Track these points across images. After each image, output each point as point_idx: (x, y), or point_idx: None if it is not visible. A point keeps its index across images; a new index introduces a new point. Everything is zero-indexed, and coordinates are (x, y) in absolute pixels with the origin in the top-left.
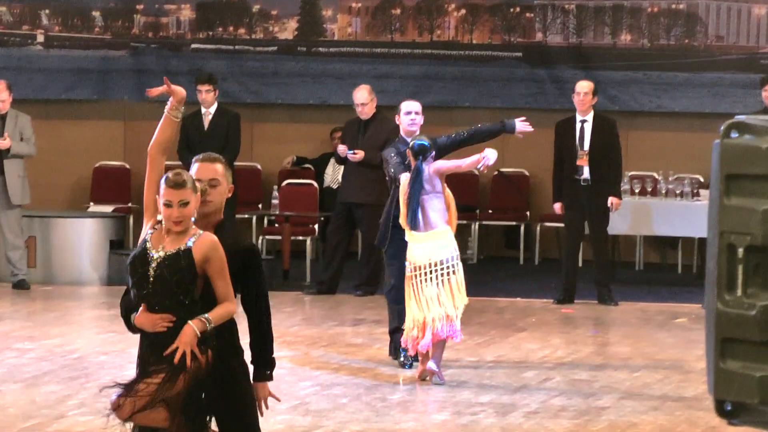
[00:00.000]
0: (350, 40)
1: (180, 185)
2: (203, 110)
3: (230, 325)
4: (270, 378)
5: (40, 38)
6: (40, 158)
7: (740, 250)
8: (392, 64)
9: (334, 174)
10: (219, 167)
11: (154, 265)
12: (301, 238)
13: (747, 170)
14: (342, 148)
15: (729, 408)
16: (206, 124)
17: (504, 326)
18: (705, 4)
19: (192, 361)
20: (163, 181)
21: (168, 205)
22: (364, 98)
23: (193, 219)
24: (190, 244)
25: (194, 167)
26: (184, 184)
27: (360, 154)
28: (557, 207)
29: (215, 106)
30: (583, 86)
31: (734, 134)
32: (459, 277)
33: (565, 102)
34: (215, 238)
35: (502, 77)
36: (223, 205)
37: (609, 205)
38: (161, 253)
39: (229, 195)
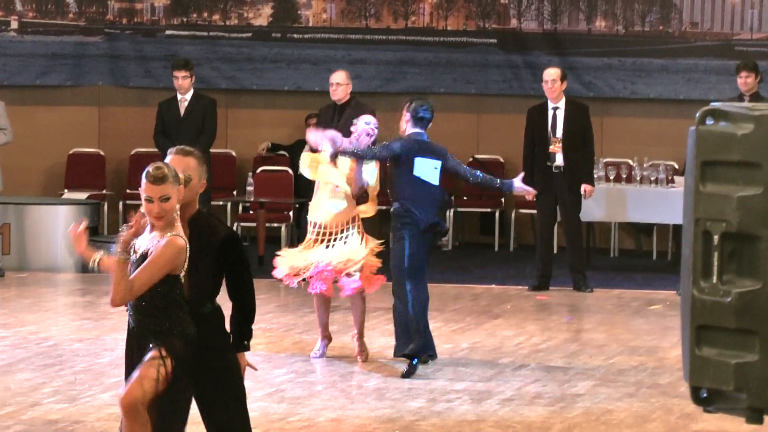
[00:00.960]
0: (325, 26)
1: (160, 180)
2: (179, 96)
3: (220, 318)
4: (248, 348)
5: (14, 24)
6: (15, 144)
7: (716, 237)
8: (367, 50)
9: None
10: (192, 162)
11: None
12: (276, 224)
13: (722, 157)
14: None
15: (704, 395)
16: (182, 110)
17: (479, 313)
18: None
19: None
20: (144, 175)
21: (149, 200)
22: (339, 78)
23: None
24: (150, 246)
25: (168, 159)
26: (165, 178)
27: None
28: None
29: (191, 92)
30: (551, 74)
31: (710, 121)
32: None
33: (540, 88)
34: (174, 242)
35: (477, 63)
36: (197, 198)
37: (582, 192)
38: (134, 256)
39: (201, 190)
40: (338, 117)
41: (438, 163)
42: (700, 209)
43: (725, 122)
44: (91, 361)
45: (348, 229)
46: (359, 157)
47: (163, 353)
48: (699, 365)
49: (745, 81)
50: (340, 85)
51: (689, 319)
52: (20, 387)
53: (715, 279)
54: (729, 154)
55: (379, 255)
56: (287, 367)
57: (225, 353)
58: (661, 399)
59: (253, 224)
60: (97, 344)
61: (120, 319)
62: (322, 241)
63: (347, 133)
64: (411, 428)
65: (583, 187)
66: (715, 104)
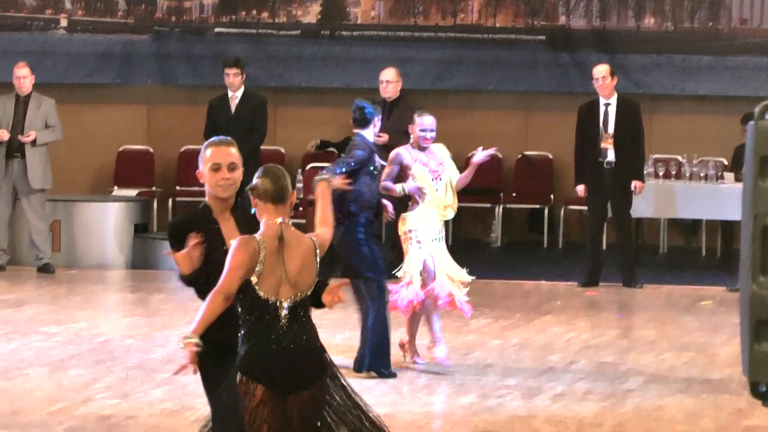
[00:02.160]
0: (373, 24)
1: (227, 143)
2: (230, 94)
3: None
4: None
5: (64, 23)
6: (64, 143)
7: None
8: (415, 48)
9: None
10: (234, 150)
11: None
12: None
13: None
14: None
15: (764, 389)
16: (233, 107)
17: (529, 310)
18: None
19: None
20: (207, 144)
21: (216, 168)
22: (391, 76)
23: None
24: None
25: (209, 151)
26: (231, 142)
27: (384, 138)
28: (580, 189)
29: (242, 89)
30: (600, 71)
31: None
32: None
33: (589, 86)
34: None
35: (525, 61)
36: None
37: (632, 188)
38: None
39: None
40: (388, 114)
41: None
42: (759, 205)
43: None
44: (143, 357)
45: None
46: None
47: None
48: (758, 360)
49: None
50: (390, 82)
51: (748, 314)
52: (72, 383)
53: None
54: None
55: None
56: (338, 363)
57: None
58: (712, 395)
59: (303, 221)
60: (148, 340)
61: (170, 316)
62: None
63: (396, 131)
64: (462, 424)
65: (634, 183)
66: None
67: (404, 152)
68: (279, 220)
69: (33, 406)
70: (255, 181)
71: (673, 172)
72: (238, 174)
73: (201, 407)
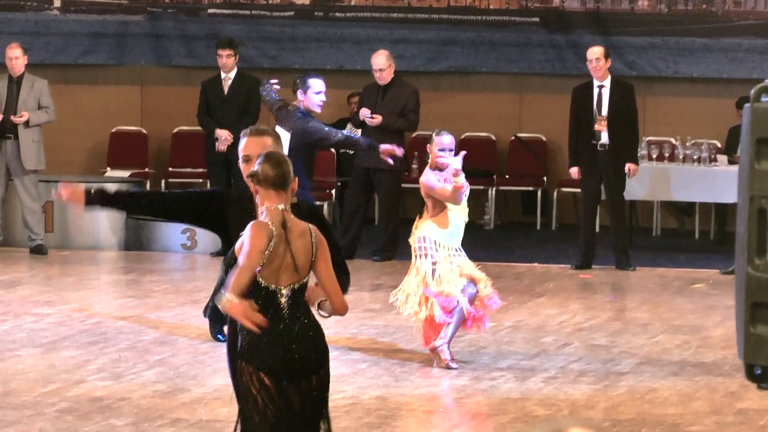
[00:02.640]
0: (367, 5)
1: (262, 132)
2: (222, 75)
3: None
4: None
5: (57, 2)
6: (57, 123)
7: None
8: (409, 29)
9: None
10: (269, 140)
11: None
12: (318, 203)
13: None
14: (365, 111)
15: (759, 372)
16: (226, 88)
17: (522, 292)
18: None
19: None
20: (243, 133)
21: (247, 159)
22: (382, 64)
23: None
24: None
25: (243, 141)
26: (266, 132)
27: (378, 119)
28: (574, 171)
29: (235, 71)
30: (594, 52)
31: (765, 98)
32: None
33: (583, 68)
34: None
35: (519, 42)
36: None
37: (627, 171)
38: None
39: None
40: (382, 96)
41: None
42: (755, 187)
43: None
44: (135, 338)
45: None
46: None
47: None
48: (753, 343)
49: None
50: (383, 70)
51: (744, 296)
52: (65, 364)
53: None
54: None
55: None
56: (330, 345)
57: None
58: (705, 378)
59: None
60: (140, 322)
61: (162, 298)
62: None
63: (390, 112)
64: (455, 406)
65: (628, 166)
66: None
67: (431, 178)
68: (281, 206)
69: (25, 388)
70: (256, 167)
71: (667, 155)
72: None
73: (193, 389)
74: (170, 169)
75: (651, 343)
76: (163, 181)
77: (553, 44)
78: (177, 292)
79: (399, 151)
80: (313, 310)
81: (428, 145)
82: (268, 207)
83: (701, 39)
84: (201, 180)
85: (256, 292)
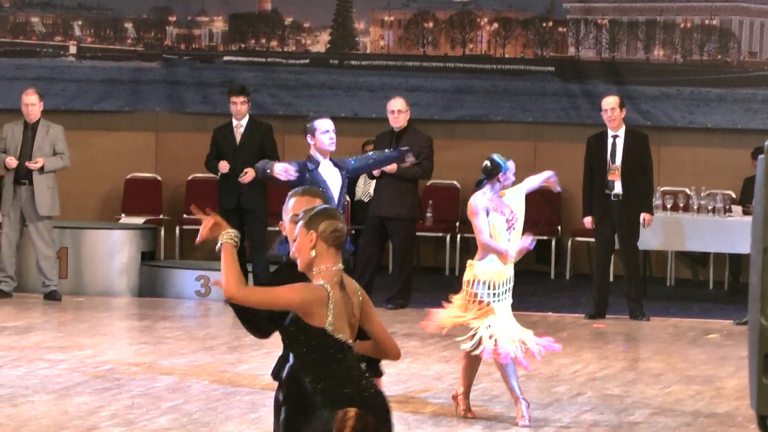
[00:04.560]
0: (382, 53)
1: (313, 193)
2: (234, 122)
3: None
4: None
5: (73, 49)
6: (72, 169)
7: None
8: (424, 78)
9: (365, 187)
10: (319, 202)
11: None
12: None
13: None
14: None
15: None
16: (238, 136)
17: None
18: (738, 19)
19: None
20: (291, 193)
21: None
22: (400, 105)
23: None
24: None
25: (292, 201)
26: (317, 194)
27: (393, 166)
28: (587, 221)
29: (247, 118)
30: (609, 102)
31: None
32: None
33: (597, 117)
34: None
35: (534, 91)
36: None
37: (642, 221)
38: None
39: None
40: (395, 143)
41: None
42: None
43: None
44: (149, 385)
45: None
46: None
47: None
48: (766, 394)
49: None
50: (401, 112)
51: (757, 347)
52: (78, 411)
53: None
54: None
55: None
56: None
57: None
58: (718, 428)
59: None
60: (154, 368)
61: (176, 344)
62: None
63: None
64: None
65: (643, 216)
66: None
67: (483, 199)
68: (340, 266)
69: None
70: (317, 222)
71: (681, 205)
72: None
73: None
74: (184, 216)
75: (664, 393)
76: (177, 228)
77: (568, 93)
78: (190, 339)
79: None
80: None
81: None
82: (326, 268)
83: (716, 89)
84: None
85: (335, 351)
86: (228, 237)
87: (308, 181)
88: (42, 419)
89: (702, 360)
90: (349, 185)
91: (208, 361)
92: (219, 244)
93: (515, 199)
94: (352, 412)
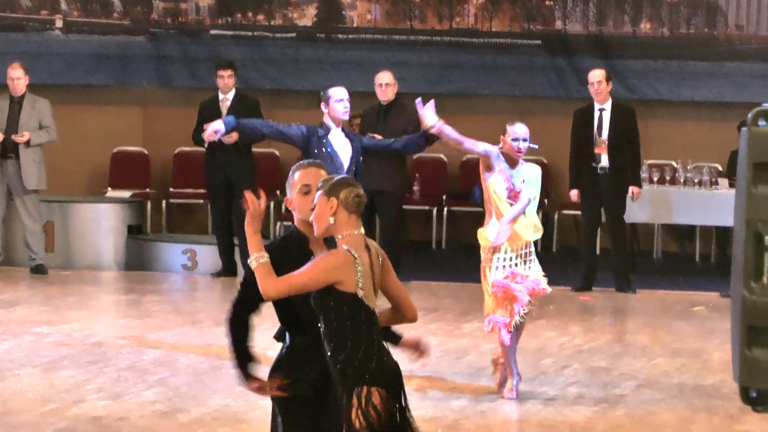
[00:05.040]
0: (369, 27)
1: (318, 165)
2: (221, 96)
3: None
4: None
5: (59, 23)
6: (58, 143)
7: (767, 238)
8: (412, 52)
9: None
10: (324, 173)
11: None
12: None
13: None
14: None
15: (754, 395)
16: (224, 110)
17: (537, 317)
18: None
19: None
20: (295, 167)
21: (307, 191)
22: (388, 78)
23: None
24: None
25: (298, 174)
26: (322, 166)
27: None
28: (574, 194)
29: (233, 92)
30: (596, 75)
31: (762, 122)
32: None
33: (584, 91)
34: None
35: (521, 65)
36: None
37: (630, 194)
38: None
39: None
40: (383, 117)
41: None
42: (752, 211)
43: None
44: (135, 358)
45: (530, 251)
46: None
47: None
48: (749, 366)
49: None
50: (389, 85)
51: (739, 320)
52: (64, 384)
53: (765, 280)
54: None
55: None
56: None
57: None
58: (704, 401)
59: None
60: (140, 342)
61: (163, 318)
62: (508, 267)
63: (391, 134)
64: (454, 427)
65: (631, 189)
66: (767, 106)
67: (497, 154)
68: (361, 231)
69: (24, 407)
70: (338, 189)
71: (668, 178)
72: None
73: (193, 409)
74: (171, 190)
75: (650, 365)
76: (164, 202)
77: (555, 67)
78: (177, 313)
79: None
80: None
81: (501, 136)
82: (349, 234)
83: (703, 63)
84: (202, 201)
85: (366, 318)
86: (260, 259)
87: (315, 146)
88: (28, 393)
89: (688, 333)
90: None
91: (195, 335)
92: (254, 265)
93: (533, 174)
94: (377, 394)
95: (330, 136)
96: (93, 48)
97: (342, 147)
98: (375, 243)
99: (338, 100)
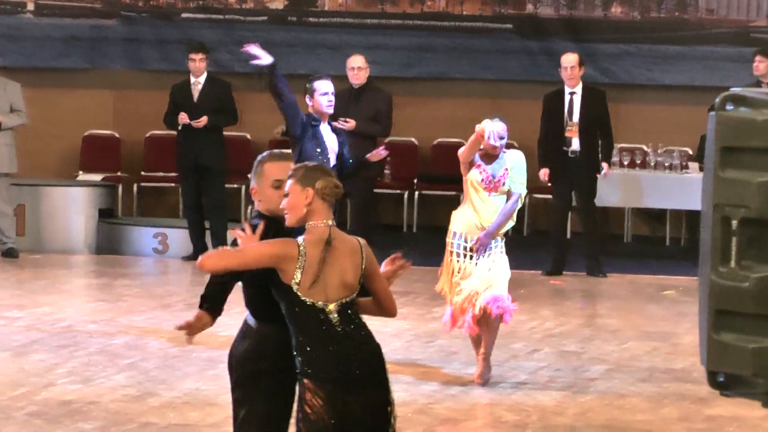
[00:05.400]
0: (341, 11)
1: (287, 158)
2: (192, 80)
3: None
4: None
5: (30, 6)
6: (30, 126)
7: (734, 223)
8: (384, 35)
9: None
10: (292, 164)
11: None
12: None
13: (743, 143)
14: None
15: (722, 380)
16: (196, 93)
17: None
18: None
19: None
20: (263, 158)
21: (279, 186)
22: (360, 62)
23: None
24: None
25: (267, 166)
26: (290, 158)
27: (351, 123)
28: (543, 172)
29: (205, 75)
30: (570, 60)
31: (730, 106)
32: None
33: (557, 74)
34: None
35: (493, 49)
36: None
37: (602, 171)
38: None
39: None
40: (355, 101)
41: None
42: (720, 195)
43: (746, 108)
44: (106, 342)
45: (496, 243)
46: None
47: None
48: (717, 350)
49: (757, 66)
50: (361, 69)
51: (707, 303)
52: (35, 368)
53: (733, 264)
54: (749, 140)
55: None
56: None
57: None
58: (674, 384)
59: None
60: (111, 325)
61: (134, 302)
62: (465, 256)
63: (364, 117)
64: (425, 411)
65: (604, 165)
66: (735, 89)
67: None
68: (330, 222)
69: None
70: (312, 179)
71: (639, 162)
72: None
73: (163, 393)
74: (143, 173)
75: (621, 349)
76: (135, 185)
77: (527, 50)
78: (148, 296)
79: (384, 152)
80: None
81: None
82: (315, 224)
83: (675, 47)
84: (173, 184)
85: (306, 312)
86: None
87: (309, 135)
88: None
89: (659, 316)
90: None
91: (166, 319)
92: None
93: (516, 161)
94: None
95: (321, 128)
96: (64, 31)
97: (330, 140)
98: (354, 239)
99: (323, 94)
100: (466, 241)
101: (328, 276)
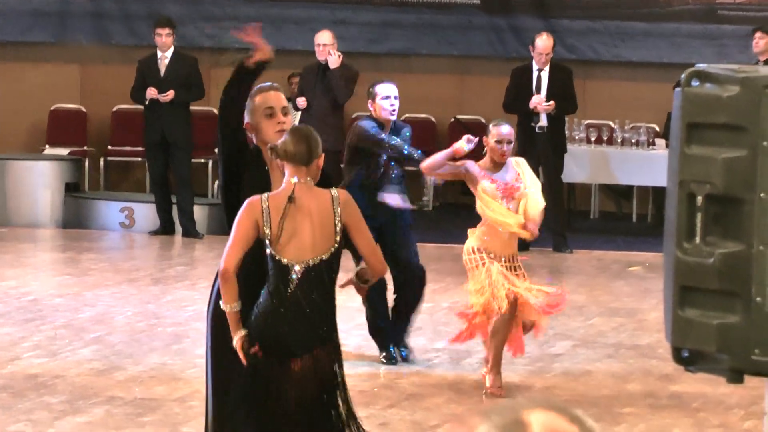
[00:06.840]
0: None
1: (276, 88)
2: (159, 54)
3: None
4: None
5: None
6: None
7: (699, 199)
8: (351, 10)
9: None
10: (282, 95)
11: None
12: None
13: (708, 119)
14: (301, 101)
15: (686, 355)
16: (162, 68)
17: (460, 273)
18: None
19: None
20: (254, 92)
21: (271, 114)
22: (327, 38)
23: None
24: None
25: (259, 98)
26: (279, 88)
27: (304, 102)
28: None
29: (171, 50)
30: (546, 46)
31: (695, 82)
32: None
33: (524, 51)
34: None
35: (460, 25)
36: None
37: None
38: None
39: None
40: (321, 77)
41: None
42: (685, 171)
43: (711, 84)
44: (72, 316)
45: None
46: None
47: None
48: (681, 326)
49: (757, 43)
50: (327, 45)
51: (672, 279)
52: (0, 341)
53: (698, 240)
54: (714, 116)
55: None
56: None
57: None
58: (640, 360)
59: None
60: (77, 300)
61: (100, 276)
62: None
63: (329, 93)
64: (391, 386)
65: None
66: (700, 66)
67: (473, 166)
68: (294, 179)
69: None
70: (278, 142)
71: (605, 138)
72: (291, 119)
73: (129, 367)
74: (109, 147)
75: (587, 325)
76: (102, 160)
77: (494, 27)
78: (114, 271)
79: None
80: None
81: (484, 137)
82: (287, 180)
83: (641, 24)
84: (140, 159)
85: (273, 265)
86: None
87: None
88: None
89: (625, 292)
90: None
91: (132, 293)
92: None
93: (523, 167)
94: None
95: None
96: (31, 4)
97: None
98: (329, 192)
99: (384, 98)
100: (490, 254)
101: (301, 235)
